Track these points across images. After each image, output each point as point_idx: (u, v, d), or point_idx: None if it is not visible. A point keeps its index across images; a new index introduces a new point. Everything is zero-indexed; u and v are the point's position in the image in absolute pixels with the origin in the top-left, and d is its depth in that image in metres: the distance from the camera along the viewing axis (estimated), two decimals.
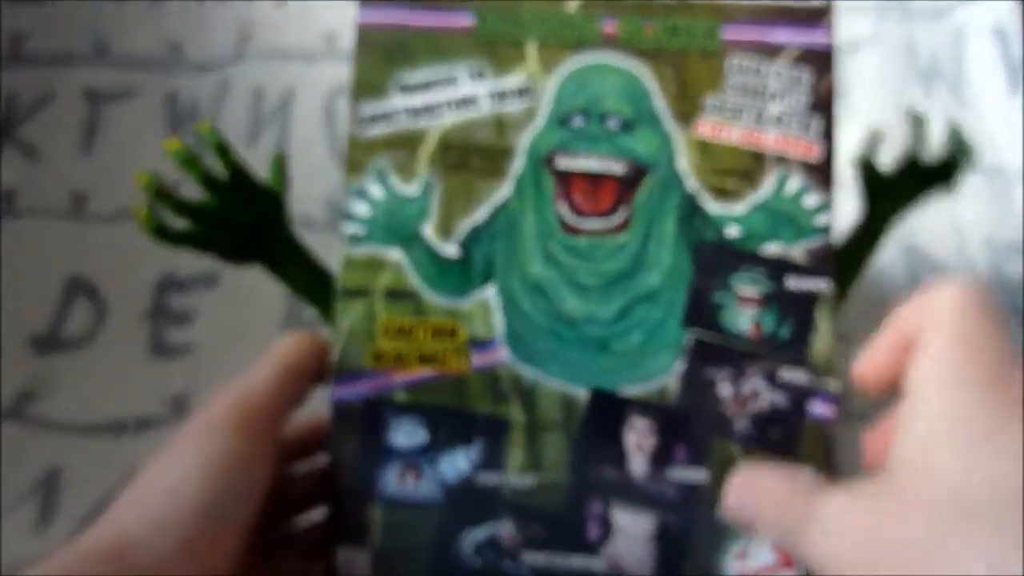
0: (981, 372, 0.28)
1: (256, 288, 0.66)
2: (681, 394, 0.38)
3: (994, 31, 0.78)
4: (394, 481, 0.38)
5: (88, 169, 0.72)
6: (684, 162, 0.39)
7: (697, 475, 0.38)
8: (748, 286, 0.39)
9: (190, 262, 0.44)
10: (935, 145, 0.47)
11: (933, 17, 0.79)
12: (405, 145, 0.39)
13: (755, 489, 0.33)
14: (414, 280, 0.39)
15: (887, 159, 0.47)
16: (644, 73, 0.39)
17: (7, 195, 0.71)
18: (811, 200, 0.39)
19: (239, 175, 0.41)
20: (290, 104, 0.75)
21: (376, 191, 0.39)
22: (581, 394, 0.38)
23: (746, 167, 0.39)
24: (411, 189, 0.39)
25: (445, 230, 0.39)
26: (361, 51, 0.40)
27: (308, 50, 0.77)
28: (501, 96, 0.39)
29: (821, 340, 0.38)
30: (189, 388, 0.63)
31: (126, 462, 0.59)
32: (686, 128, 0.39)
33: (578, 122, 0.39)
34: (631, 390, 0.38)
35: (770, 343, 0.38)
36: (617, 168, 0.39)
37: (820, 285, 0.39)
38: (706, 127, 0.39)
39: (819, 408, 0.38)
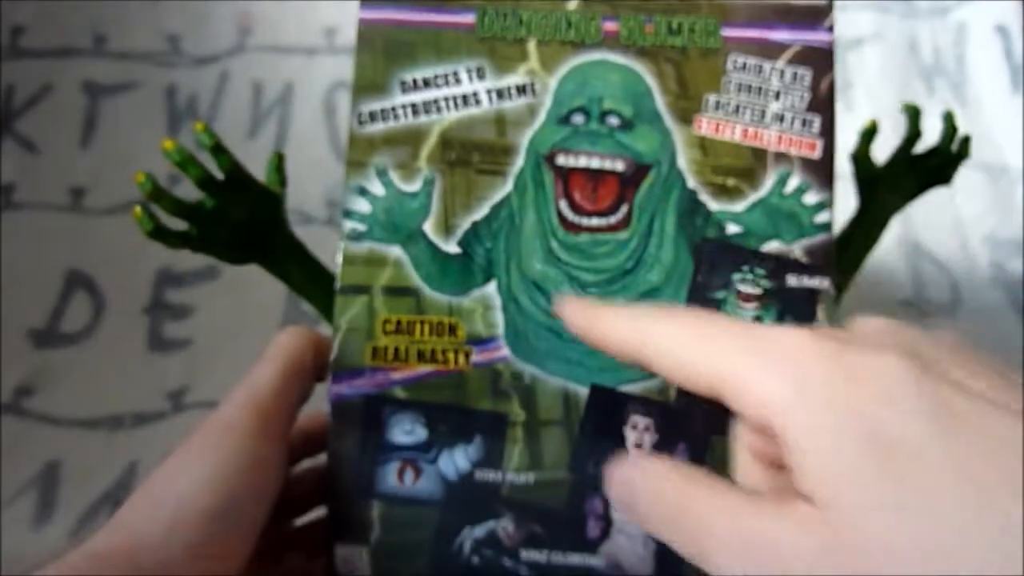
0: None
1: (255, 283, 0.66)
2: (681, 392, 0.38)
3: (996, 29, 0.78)
4: (393, 478, 0.38)
5: (87, 162, 0.72)
6: (685, 160, 0.39)
7: None
8: (749, 284, 0.39)
9: (189, 257, 0.44)
10: (932, 138, 0.47)
11: (935, 14, 0.79)
12: (406, 142, 0.39)
13: (644, 485, 0.30)
14: (414, 277, 0.38)
15: (886, 153, 0.47)
16: (645, 71, 0.39)
17: (6, 188, 0.71)
18: (811, 198, 0.39)
19: (236, 175, 0.41)
20: (290, 98, 0.75)
21: (376, 188, 0.39)
22: (581, 392, 0.38)
23: (747, 165, 0.39)
24: (411, 186, 0.39)
25: (445, 227, 0.39)
26: (362, 48, 0.39)
27: (308, 44, 0.77)
28: (502, 94, 0.39)
29: None
30: (188, 383, 0.63)
31: (125, 456, 0.59)
32: (687, 126, 0.39)
33: (579, 120, 0.39)
34: (631, 387, 0.38)
35: None
36: (618, 166, 0.39)
37: (821, 283, 0.39)
38: (707, 125, 0.39)
39: None
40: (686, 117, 0.39)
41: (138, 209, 0.40)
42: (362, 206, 0.39)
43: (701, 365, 0.27)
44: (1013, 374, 0.27)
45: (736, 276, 0.39)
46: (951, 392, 0.24)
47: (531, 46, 0.39)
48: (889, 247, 0.69)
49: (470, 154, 0.39)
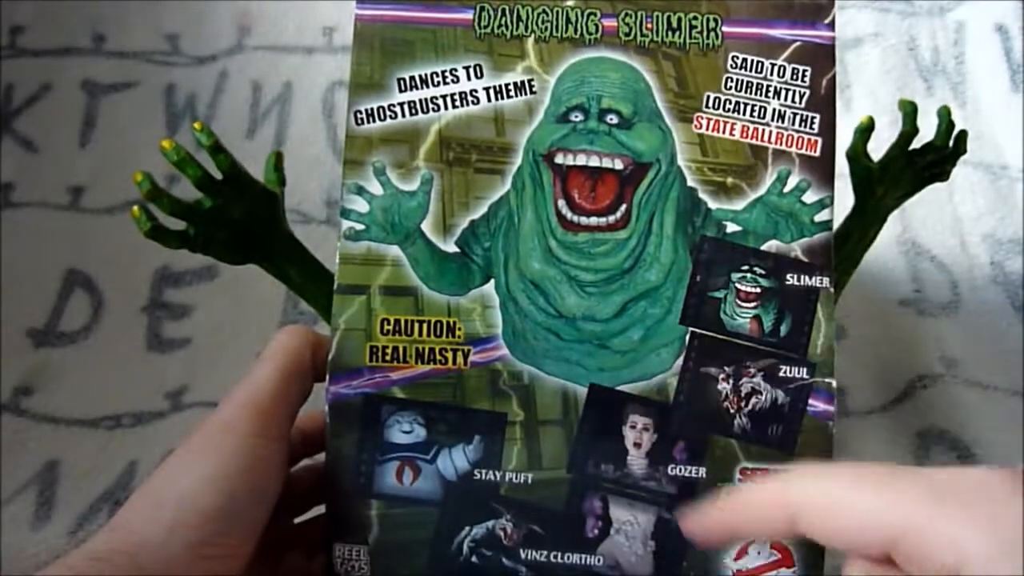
0: None
1: (254, 283, 0.66)
2: (680, 391, 0.38)
3: (995, 28, 0.78)
4: (392, 478, 0.38)
5: (86, 162, 0.72)
6: (684, 158, 0.39)
7: (696, 472, 0.38)
8: (748, 283, 0.38)
9: (188, 257, 0.44)
10: (929, 135, 0.47)
11: (935, 14, 0.79)
12: (404, 141, 0.39)
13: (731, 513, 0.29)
14: (412, 277, 0.38)
15: (883, 151, 0.47)
16: (644, 69, 0.39)
17: (5, 187, 0.71)
18: (811, 196, 0.39)
19: (235, 174, 0.41)
20: (288, 98, 0.75)
21: (374, 187, 0.39)
22: (580, 391, 0.38)
23: (746, 163, 0.39)
24: (409, 185, 0.39)
25: (444, 227, 0.39)
26: (359, 46, 0.39)
27: (307, 44, 0.77)
28: (500, 92, 0.39)
29: (821, 336, 0.38)
30: (186, 382, 0.63)
31: (124, 455, 0.59)
32: (686, 124, 0.39)
33: (577, 118, 0.39)
34: (630, 387, 0.38)
35: (770, 340, 0.38)
36: (617, 164, 0.39)
37: (820, 281, 0.38)
38: (706, 123, 0.39)
39: (819, 405, 0.38)
40: (685, 115, 0.39)
41: (136, 209, 0.40)
42: (360, 205, 0.39)
43: (874, 517, 0.25)
44: None
45: (735, 275, 0.39)
46: None
47: (529, 44, 0.39)
48: (888, 246, 0.69)
49: (468, 153, 0.39)
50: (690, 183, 0.39)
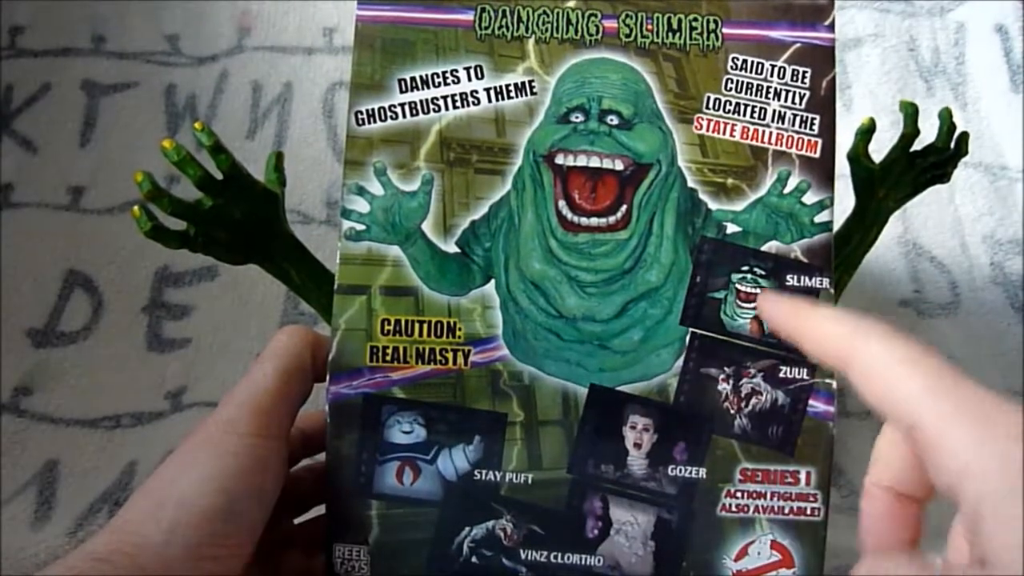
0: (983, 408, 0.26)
1: (254, 283, 0.66)
2: (680, 392, 0.38)
3: (995, 29, 0.78)
4: (392, 478, 0.38)
5: (86, 162, 0.72)
6: (684, 159, 0.39)
7: (696, 473, 0.38)
8: (748, 283, 0.39)
9: (188, 257, 0.44)
10: (931, 137, 0.47)
11: (935, 14, 0.79)
12: (404, 141, 0.39)
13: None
14: (413, 277, 0.38)
15: (884, 152, 0.47)
16: (644, 70, 0.39)
17: (5, 188, 0.71)
18: (811, 197, 0.39)
19: (235, 174, 0.41)
20: (289, 98, 0.75)
21: (375, 187, 0.39)
22: (580, 391, 0.38)
23: (746, 164, 0.39)
24: (410, 186, 0.39)
25: (444, 227, 0.39)
26: (360, 46, 0.39)
27: (307, 44, 0.77)
28: (500, 92, 0.39)
29: None
30: (186, 382, 0.63)
31: (124, 455, 0.59)
32: (686, 125, 0.39)
33: (578, 119, 0.39)
34: (630, 388, 0.38)
35: (770, 340, 0.38)
36: (617, 165, 0.39)
37: (820, 282, 0.38)
38: (707, 124, 0.39)
39: (819, 405, 0.38)
40: (686, 116, 0.39)
41: (137, 209, 0.40)
42: (360, 206, 0.39)
43: (904, 404, 0.26)
44: None
45: (735, 276, 0.39)
46: None
47: (530, 45, 0.39)
48: (889, 247, 0.69)
49: (469, 153, 0.39)
50: (690, 184, 0.39)
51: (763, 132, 0.39)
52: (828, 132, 0.39)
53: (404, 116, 0.39)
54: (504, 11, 0.39)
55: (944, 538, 0.29)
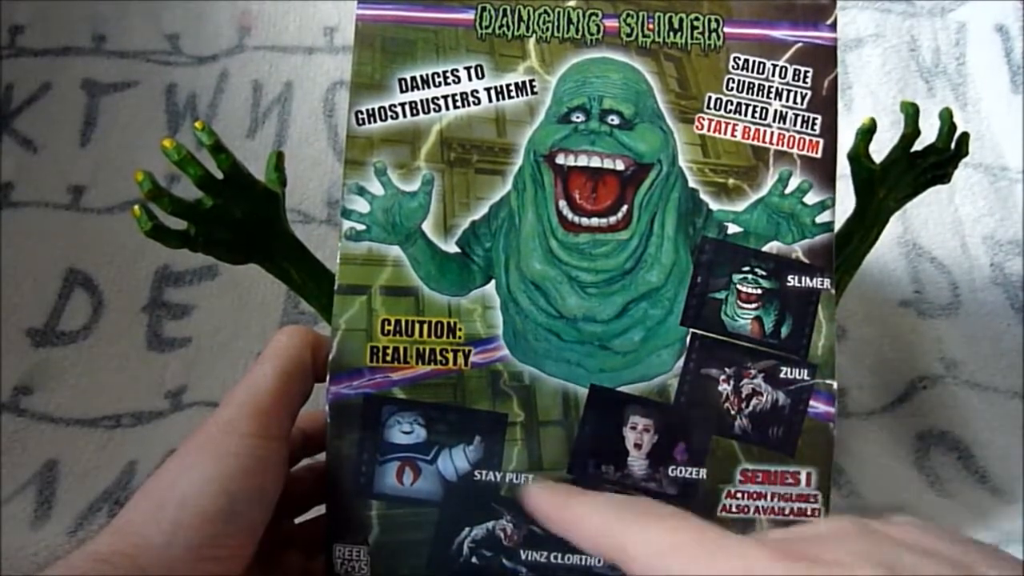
0: None
1: (254, 282, 0.66)
2: (681, 392, 0.38)
3: (996, 29, 0.78)
4: (392, 478, 0.38)
5: (86, 161, 0.72)
6: (685, 159, 0.39)
7: (697, 473, 0.38)
8: (749, 284, 0.38)
9: (188, 256, 0.44)
10: (932, 138, 0.47)
11: (935, 14, 0.79)
12: (405, 141, 0.39)
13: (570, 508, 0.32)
14: (413, 277, 0.38)
15: (885, 152, 0.47)
16: (645, 69, 0.39)
17: (5, 187, 0.71)
18: (813, 197, 0.39)
19: (236, 174, 0.41)
20: (289, 98, 0.75)
21: (375, 187, 0.39)
22: (580, 392, 0.38)
23: (748, 164, 0.39)
24: (410, 186, 0.39)
25: (444, 227, 0.39)
26: (361, 46, 0.39)
27: (307, 44, 0.77)
28: (501, 92, 0.39)
29: (822, 338, 0.38)
30: (186, 382, 0.63)
31: (124, 455, 0.59)
32: (687, 125, 0.39)
33: (579, 119, 0.39)
34: (631, 388, 0.38)
35: (771, 341, 0.38)
36: (618, 165, 0.39)
37: (821, 283, 0.38)
38: (708, 124, 0.39)
39: (819, 406, 0.38)
40: (687, 116, 0.39)
41: (137, 208, 0.40)
42: (361, 205, 0.39)
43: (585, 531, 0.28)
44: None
45: (736, 276, 0.39)
46: None
47: (531, 44, 0.39)
48: (889, 247, 0.69)
49: (469, 153, 0.39)
50: (691, 184, 0.39)
51: (764, 132, 0.39)
52: (830, 132, 0.39)
53: (404, 116, 0.39)
54: (505, 10, 0.39)
55: None
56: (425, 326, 0.38)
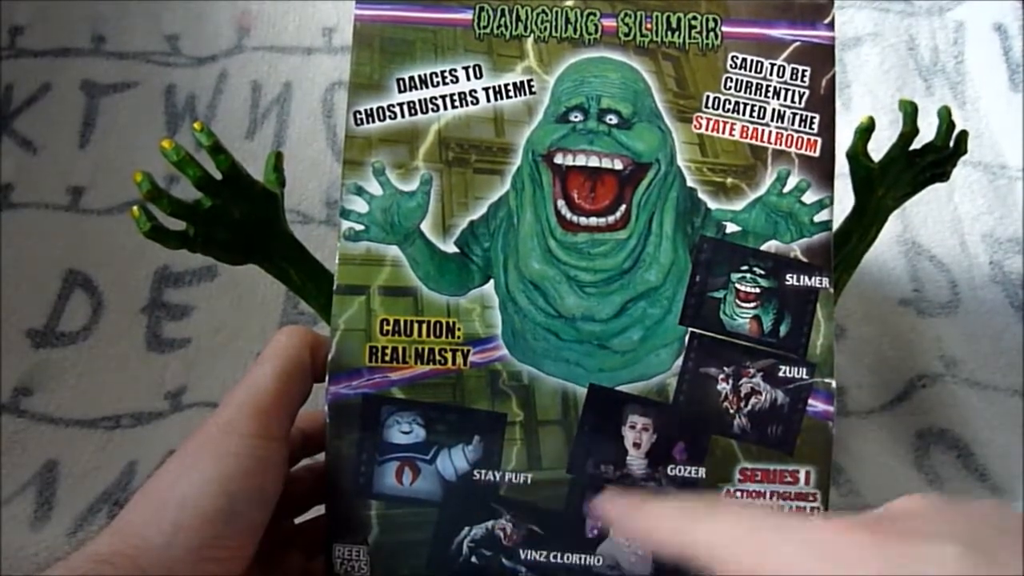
0: None
1: (253, 283, 0.66)
2: (680, 391, 0.38)
3: (995, 28, 0.78)
4: (392, 478, 0.38)
5: (86, 162, 0.72)
6: (683, 158, 0.39)
7: (696, 472, 0.38)
8: (747, 283, 0.39)
9: (187, 257, 0.44)
10: (930, 136, 0.47)
11: (934, 13, 0.79)
12: (403, 141, 0.39)
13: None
14: (412, 277, 0.38)
15: (883, 151, 0.47)
16: (643, 69, 0.39)
17: (4, 188, 0.71)
18: (811, 196, 0.39)
19: (235, 174, 0.41)
20: (288, 98, 0.75)
21: (373, 187, 0.39)
22: (579, 391, 0.38)
23: (746, 163, 0.39)
24: (409, 185, 0.39)
25: (443, 227, 0.39)
26: (359, 46, 0.39)
27: (306, 44, 0.77)
28: (499, 92, 0.39)
29: (820, 337, 0.38)
30: (186, 382, 0.63)
31: (123, 456, 0.59)
32: (686, 124, 0.39)
33: (577, 118, 0.39)
34: (630, 387, 0.38)
35: (769, 340, 0.38)
36: (616, 165, 0.39)
37: (819, 282, 0.38)
38: (706, 123, 0.39)
39: (818, 405, 0.38)
40: (685, 115, 0.39)
41: (136, 209, 0.40)
42: (359, 206, 0.39)
43: (754, 567, 0.27)
44: None
45: (735, 275, 0.39)
46: None
47: (529, 44, 0.39)
48: (888, 245, 0.69)
49: (468, 153, 0.39)
50: (689, 183, 0.39)
51: (762, 131, 0.39)
52: (828, 131, 0.39)
53: (403, 116, 0.39)
54: (503, 10, 0.39)
55: None
56: (424, 326, 0.38)
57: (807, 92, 0.39)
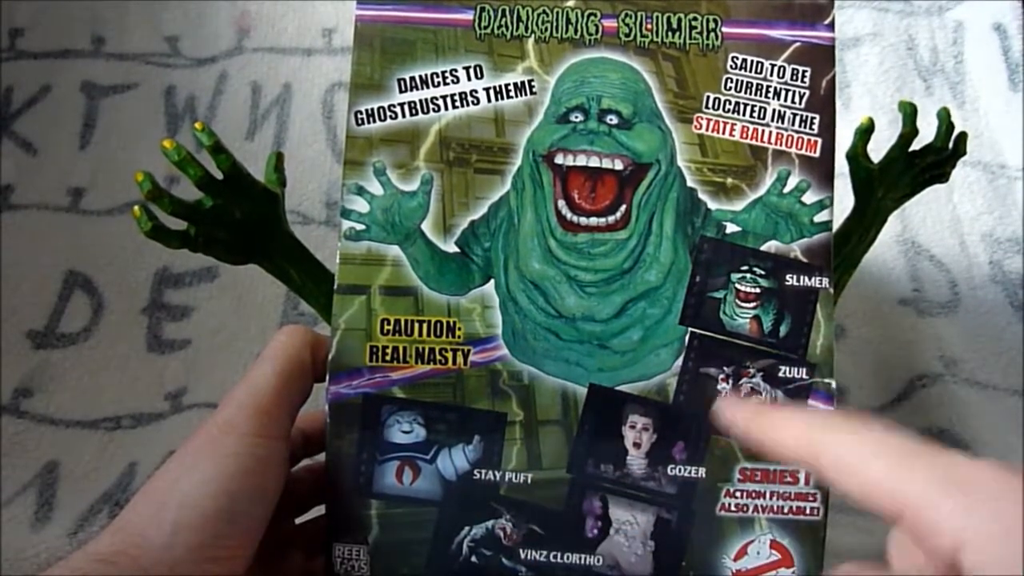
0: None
1: (253, 283, 0.66)
2: (680, 391, 0.38)
3: (994, 28, 0.78)
4: (392, 478, 0.38)
5: (86, 163, 0.72)
6: (684, 159, 0.39)
7: (696, 472, 0.38)
8: (747, 283, 0.39)
9: (187, 258, 0.44)
10: (930, 136, 0.47)
11: (933, 13, 0.79)
12: (404, 141, 0.39)
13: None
14: (412, 277, 0.38)
15: (883, 152, 0.47)
16: (644, 69, 0.39)
17: (4, 189, 0.71)
18: (811, 197, 0.39)
19: (235, 174, 0.41)
20: (288, 99, 0.75)
21: (374, 187, 0.39)
22: (579, 391, 0.38)
23: (746, 164, 0.39)
24: (409, 185, 0.39)
25: (444, 227, 0.39)
26: (360, 46, 0.39)
27: (306, 45, 0.77)
28: (500, 92, 0.39)
29: (820, 337, 0.38)
30: (186, 383, 0.63)
31: (124, 457, 0.59)
32: (686, 124, 0.39)
33: (577, 118, 0.39)
34: (630, 387, 0.38)
35: (769, 340, 0.38)
36: (616, 165, 0.39)
37: (819, 282, 0.38)
38: (706, 123, 0.39)
39: (818, 405, 0.38)
40: (685, 115, 0.39)
41: (137, 208, 0.40)
42: (360, 205, 0.39)
43: (884, 487, 0.26)
44: None
45: (735, 275, 0.39)
46: None
47: (529, 44, 0.39)
48: (888, 245, 0.69)
49: (468, 153, 0.39)
50: (690, 183, 0.39)
51: (762, 131, 0.39)
52: (828, 131, 0.39)
53: (403, 116, 0.39)
54: (503, 10, 0.39)
55: None
56: (424, 325, 0.38)
57: (807, 93, 0.39)
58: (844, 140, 0.43)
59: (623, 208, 0.39)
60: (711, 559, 0.38)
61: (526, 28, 0.39)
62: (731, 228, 0.39)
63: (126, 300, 0.66)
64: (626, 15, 0.39)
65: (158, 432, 0.61)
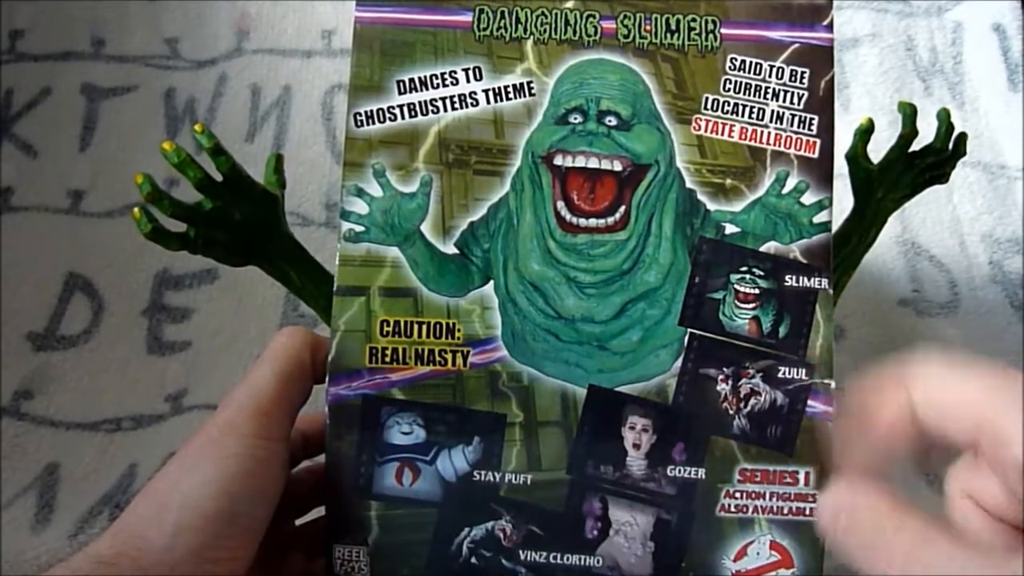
0: None
1: (253, 285, 0.66)
2: (679, 392, 0.38)
3: (993, 28, 0.78)
4: (392, 479, 0.38)
5: (86, 165, 0.72)
6: (683, 160, 0.39)
7: (695, 473, 0.38)
8: (747, 284, 0.39)
9: (187, 259, 0.44)
10: (930, 137, 0.47)
11: (932, 14, 0.79)
12: (403, 143, 0.39)
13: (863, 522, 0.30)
14: (412, 278, 0.38)
15: (883, 153, 0.47)
16: (643, 70, 0.39)
17: (5, 192, 0.71)
18: (810, 197, 0.39)
19: (235, 176, 0.41)
20: (288, 101, 0.75)
21: (374, 189, 0.39)
22: (579, 392, 0.38)
23: (745, 164, 0.39)
24: (409, 187, 0.39)
25: (443, 228, 0.39)
26: (359, 48, 0.39)
27: (306, 47, 0.77)
28: (499, 94, 0.39)
29: (820, 338, 0.38)
30: (186, 385, 0.63)
31: (124, 458, 0.59)
32: (685, 126, 0.39)
33: (576, 120, 0.39)
34: (629, 388, 0.38)
35: (769, 341, 0.38)
36: (615, 166, 0.39)
37: (819, 283, 0.38)
38: (705, 124, 0.39)
39: (818, 405, 0.38)
40: (684, 117, 0.39)
41: (137, 210, 0.40)
42: (359, 207, 0.39)
43: (962, 408, 0.28)
44: None
45: (734, 276, 0.39)
46: None
47: (528, 46, 0.39)
48: (888, 246, 0.69)
49: (467, 155, 0.39)
50: (689, 185, 0.39)
51: (761, 132, 0.39)
52: (827, 132, 0.39)
53: (403, 118, 0.39)
54: (502, 12, 0.39)
55: None
56: (424, 327, 0.38)
57: (806, 94, 0.39)
58: (843, 141, 0.43)
59: (622, 209, 0.39)
60: (711, 560, 0.38)
61: (525, 30, 0.39)
62: (730, 229, 0.39)
63: (126, 302, 0.67)
64: (625, 16, 0.39)
65: (158, 434, 0.61)
